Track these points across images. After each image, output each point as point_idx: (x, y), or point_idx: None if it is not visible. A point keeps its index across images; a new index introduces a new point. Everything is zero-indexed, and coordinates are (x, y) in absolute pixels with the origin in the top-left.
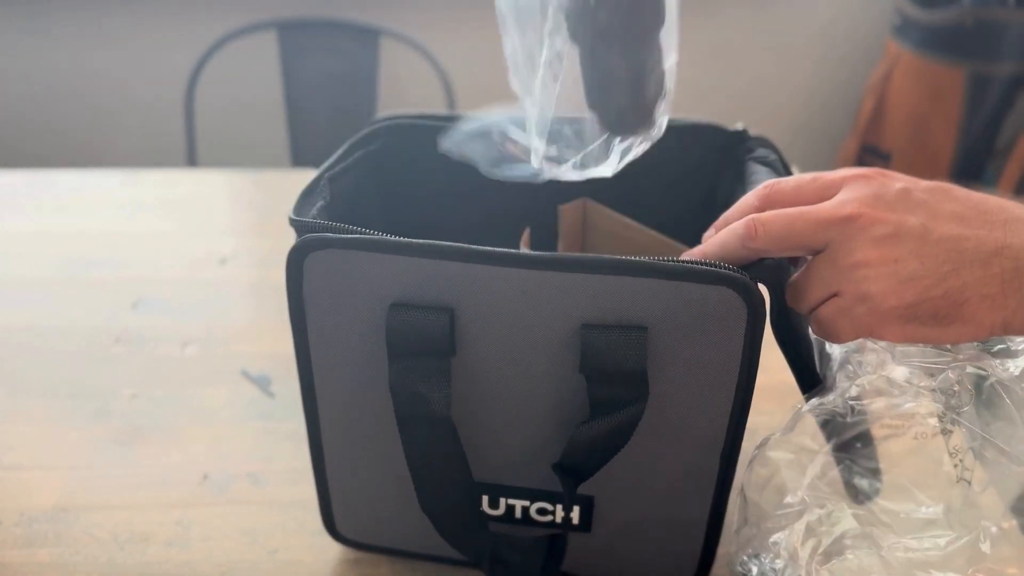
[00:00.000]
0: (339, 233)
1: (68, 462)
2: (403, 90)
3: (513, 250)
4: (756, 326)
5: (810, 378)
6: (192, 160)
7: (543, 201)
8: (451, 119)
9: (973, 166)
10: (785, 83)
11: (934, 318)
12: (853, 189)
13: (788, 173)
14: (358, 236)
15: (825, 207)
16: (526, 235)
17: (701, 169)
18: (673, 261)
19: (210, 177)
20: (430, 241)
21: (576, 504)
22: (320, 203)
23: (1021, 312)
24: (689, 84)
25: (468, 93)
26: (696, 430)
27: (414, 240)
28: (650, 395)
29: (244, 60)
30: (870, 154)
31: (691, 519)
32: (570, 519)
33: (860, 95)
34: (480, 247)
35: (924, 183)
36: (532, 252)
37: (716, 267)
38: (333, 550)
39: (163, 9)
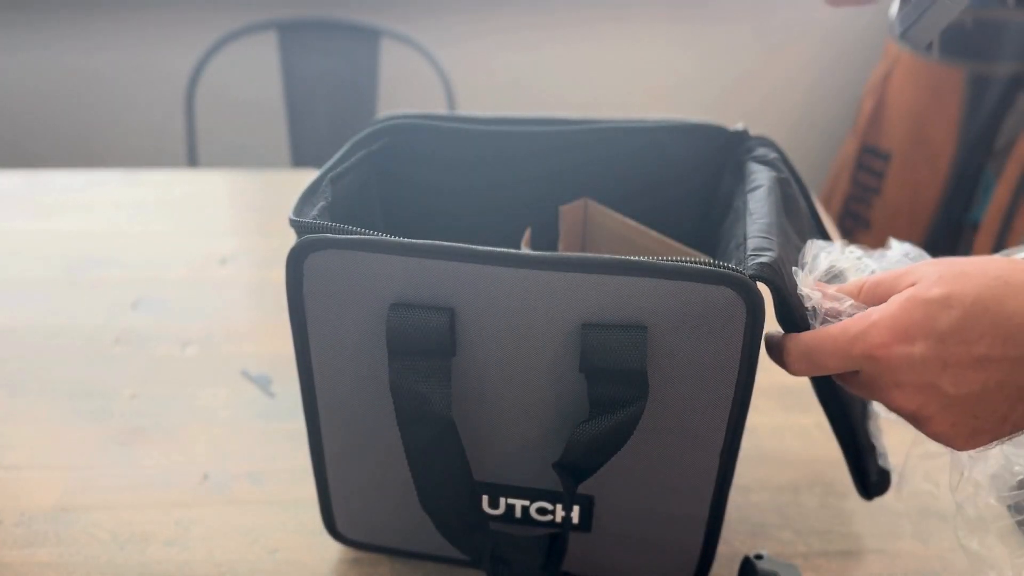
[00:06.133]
0: (339, 234)
1: (68, 462)
2: (403, 90)
3: (514, 250)
4: (756, 326)
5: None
6: (192, 160)
7: (543, 201)
8: (452, 119)
9: (973, 166)
10: (785, 83)
11: (1009, 431)
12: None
13: (791, 171)
14: (358, 236)
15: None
16: (527, 235)
17: (701, 169)
18: (673, 261)
19: (210, 177)
20: (430, 241)
21: (576, 503)
22: (321, 203)
23: None
24: (689, 84)
25: (468, 93)
26: (696, 429)
27: (414, 240)
28: (650, 394)
29: (244, 60)
30: (870, 154)
31: (691, 518)
32: (570, 518)
33: (860, 95)
34: (480, 247)
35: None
36: (533, 252)
37: (716, 267)
38: (333, 550)
39: (163, 9)
